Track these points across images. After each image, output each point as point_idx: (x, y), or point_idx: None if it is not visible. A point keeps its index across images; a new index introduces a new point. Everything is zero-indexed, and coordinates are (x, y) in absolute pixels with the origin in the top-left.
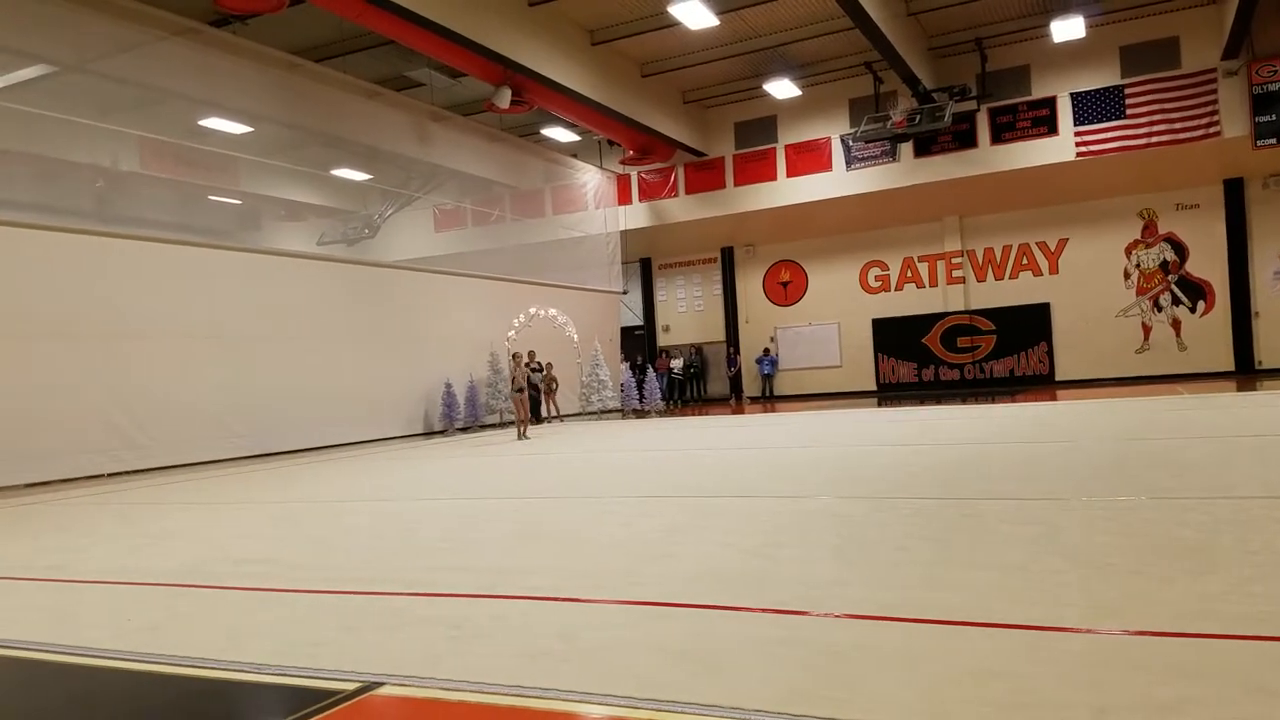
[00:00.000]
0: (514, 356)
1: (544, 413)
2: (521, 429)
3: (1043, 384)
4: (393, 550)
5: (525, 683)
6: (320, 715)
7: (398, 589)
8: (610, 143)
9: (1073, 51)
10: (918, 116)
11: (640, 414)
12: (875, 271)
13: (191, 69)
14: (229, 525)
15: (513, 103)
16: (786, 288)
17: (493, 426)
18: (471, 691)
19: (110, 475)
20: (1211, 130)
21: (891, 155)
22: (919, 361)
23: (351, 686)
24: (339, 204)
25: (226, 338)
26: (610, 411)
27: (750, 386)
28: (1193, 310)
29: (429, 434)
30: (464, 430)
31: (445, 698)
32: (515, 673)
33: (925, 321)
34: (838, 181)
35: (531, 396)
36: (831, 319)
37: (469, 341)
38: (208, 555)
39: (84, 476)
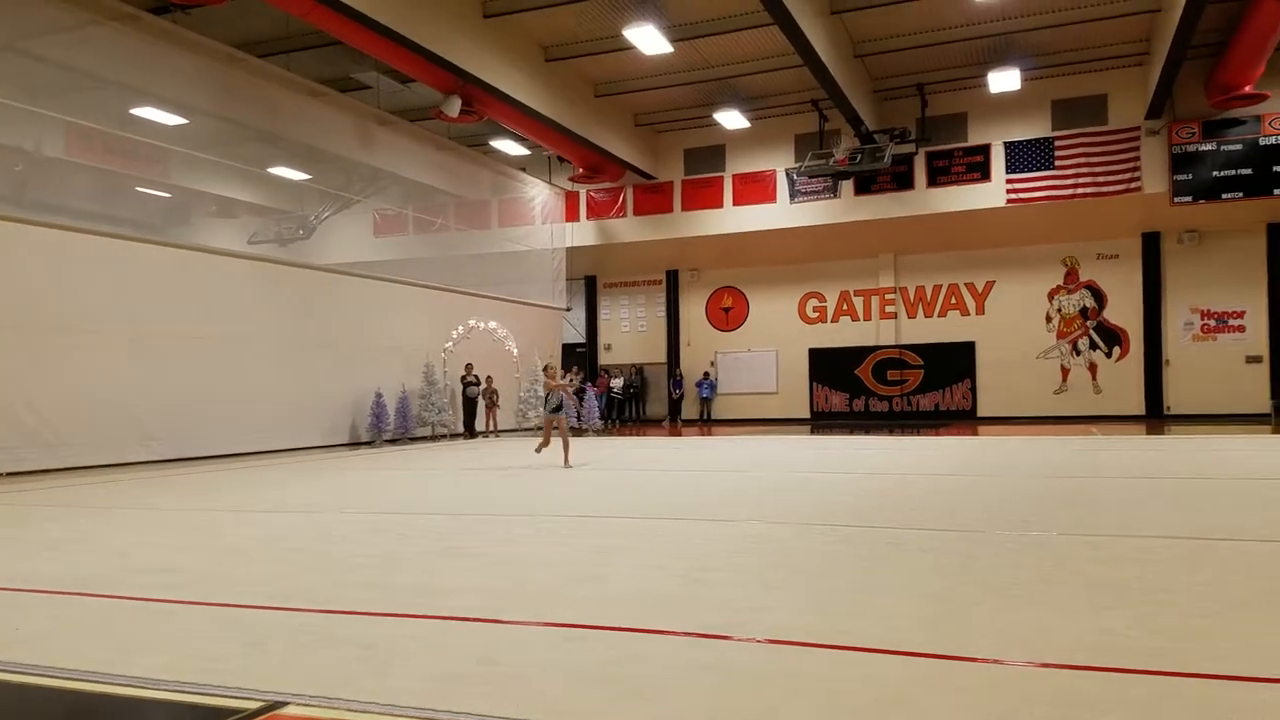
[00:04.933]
0: (546, 369)
1: (485, 426)
2: (542, 447)
3: (965, 419)
4: (308, 564)
5: (438, 707)
6: None
7: (310, 605)
8: (560, 159)
9: (1008, 102)
10: (859, 156)
11: (578, 432)
12: (813, 302)
13: (127, 56)
14: (134, 532)
15: (462, 112)
16: (728, 313)
17: (424, 439)
18: (380, 714)
19: (8, 474)
20: (1133, 185)
21: (833, 191)
22: (851, 392)
23: (253, 706)
24: (274, 203)
25: (146, 335)
26: None
27: (688, 409)
28: (1109, 355)
29: (355, 444)
30: (393, 442)
31: None
32: (428, 696)
33: (858, 354)
34: (781, 213)
35: (467, 409)
36: (770, 346)
37: (404, 351)
38: (108, 562)
39: None
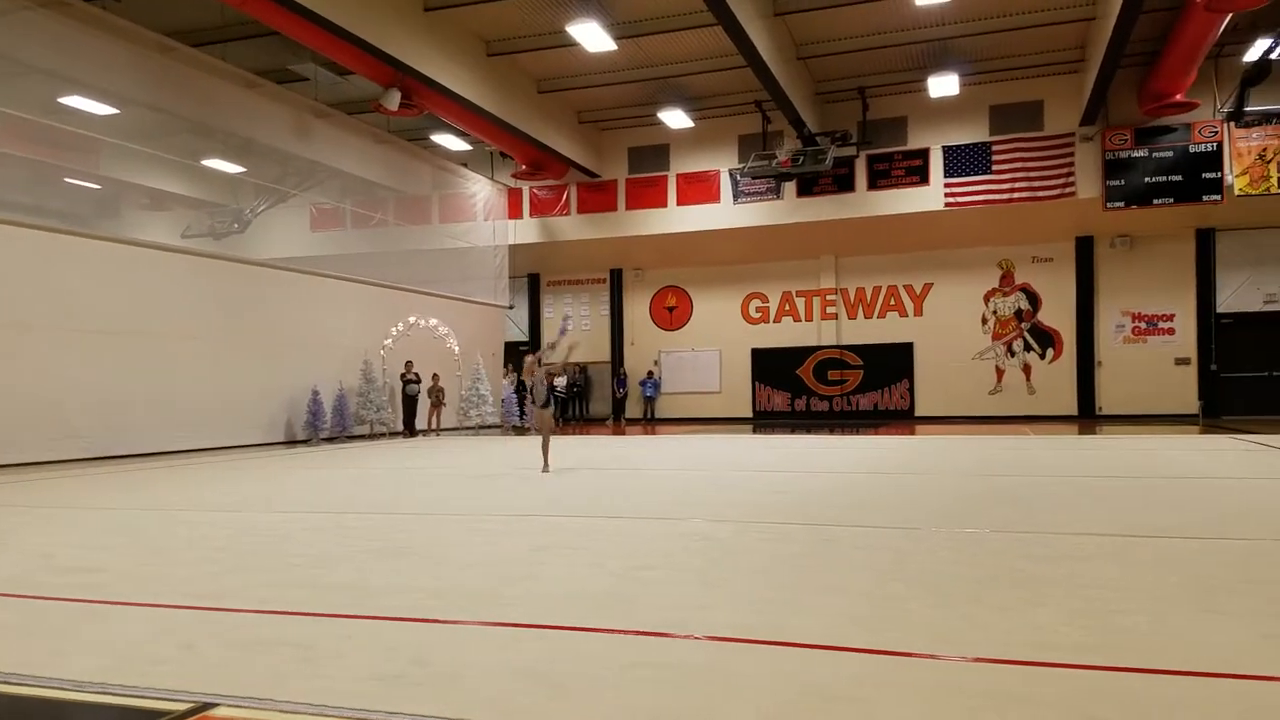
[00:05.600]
0: (526, 361)
1: (428, 425)
2: (545, 459)
3: (903, 418)
4: (240, 564)
5: (372, 707)
6: None
7: (244, 605)
8: (502, 155)
9: (947, 107)
10: (801, 158)
11: (520, 431)
12: (756, 303)
13: (55, 43)
14: (60, 531)
15: (402, 105)
16: (672, 313)
17: (362, 438)
18: (313, 715)
19: None
20: (1067, 190)
21: (776, 193)
22: (792, 392)
23: (183, 707)
24: (208, 196)
25: (74, 330)
26: (490, 427)
27: (632, 408)
28: (1042, 357)
29: (291, 443)
30: (330, 440)
31: None
32: (363, 696)
33: (799, 354)
34: (725, 213)
35: (407, 407)
36: (713, 346)
37: (341, 348)
38: (32, 563)
39: None
